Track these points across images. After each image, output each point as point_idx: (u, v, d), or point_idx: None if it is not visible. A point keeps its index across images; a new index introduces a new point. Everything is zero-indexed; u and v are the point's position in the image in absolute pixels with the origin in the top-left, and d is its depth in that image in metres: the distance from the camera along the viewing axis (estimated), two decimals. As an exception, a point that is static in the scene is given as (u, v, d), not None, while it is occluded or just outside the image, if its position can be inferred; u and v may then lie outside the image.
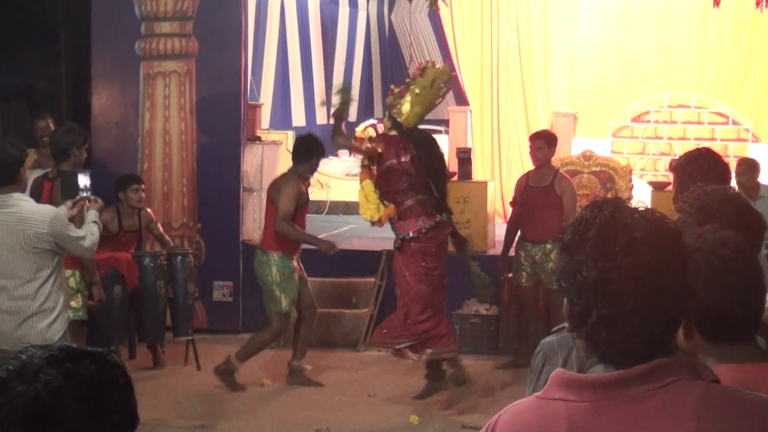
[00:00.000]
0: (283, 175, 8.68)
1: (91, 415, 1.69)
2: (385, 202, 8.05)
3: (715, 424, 1.81)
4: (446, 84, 8.20)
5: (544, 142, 9.14)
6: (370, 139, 8.16)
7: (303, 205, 8.51)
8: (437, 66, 8.27)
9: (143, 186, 9.05)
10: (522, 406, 1.96)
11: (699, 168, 4.51)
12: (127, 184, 8.82)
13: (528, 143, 13.77)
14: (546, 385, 1.93)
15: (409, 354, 8.12)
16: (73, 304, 7.43)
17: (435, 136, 14.09)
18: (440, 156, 8.22)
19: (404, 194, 8.00)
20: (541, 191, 9.06)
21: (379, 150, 8.01)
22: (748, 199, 9.18)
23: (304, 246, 8.66)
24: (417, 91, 8.00)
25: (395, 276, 8.24)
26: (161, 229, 9.28)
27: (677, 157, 4.77)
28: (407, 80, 8.29)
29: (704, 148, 4.86)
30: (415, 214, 7.98)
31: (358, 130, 14.83)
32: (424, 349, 8.07)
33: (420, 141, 8.08)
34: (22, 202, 5.85)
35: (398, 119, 8.06)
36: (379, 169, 8.05)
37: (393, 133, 8.10)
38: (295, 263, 8.56)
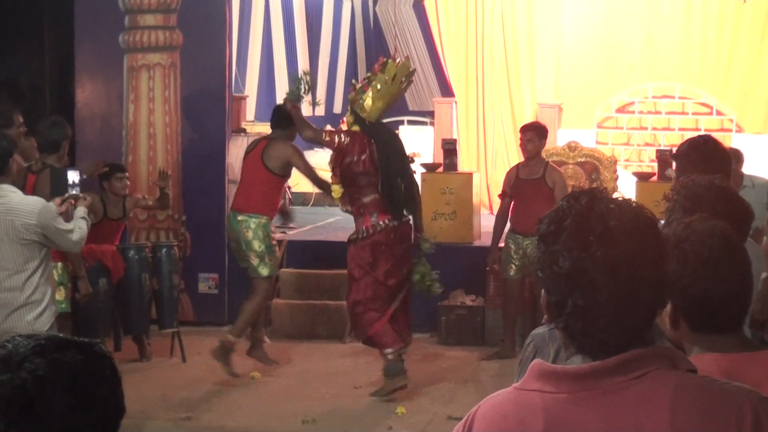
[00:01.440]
0: (279, 143, 8.62)
1: (77, 405, 1.69)
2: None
3: (691, 414, 1.81)
4: (407, 78, 8.22)
5: (534, 134, 9.13)
6: (343, 132, 8.15)
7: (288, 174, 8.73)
8: (398, 60, 8.29)
9: (127, 174, 9.03)
10: (500, 397, 1.97)
11: (702, 155, 4.53)
12: (111, 172, 8.79)
13: (515, 135, 13.86)
14: (525, 376, 1.93)
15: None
16: (56, 296, 7.41)
17: (420, 127, 14.18)
18: (400, 154, 8.16)
19: (362, 191, 8.02)
20: (532, 183, 9.06)
21: (344, 142, 8.03)
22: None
23: (293, 238, 8.71)
24: (378, 86, 8.02)
25: (348, 268, 8.21)
26: (148, 197, 9.33)
27: (662, 146, 4.79)
28: (368, 75, 8.30)
29: (707, 135, 4.91)
30: (369, 212, 7.98)
31: (343, 121, 14.88)
32: (381, 349, 8.08)
33: (381, 137, 8.08)
34: (11, 194, 5.85)
35: (361, 114, 8.08)
36: (341, 165, 8.05)
37: (355, 128, 8.09)
38: (273, 229, 8.78)
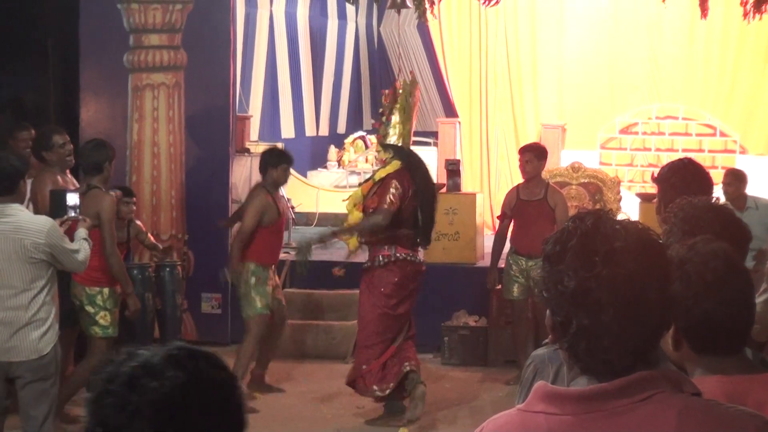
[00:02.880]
0: (252, 190, 8.67)
1: (214, 413, 1.72)
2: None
3: None
4: (413, 93, 8.21)
5: (533, 155, 9.11)
6: (392, 186, 7.75)
7: (271, 221, 8.46)
8: (402, 81, 8.33)
9: (134, 199, 9.02)
10: (504, 418, 1.96)
11: (682, 178, 4.51)
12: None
13: (517, 155, 13.87)
14: (528, 398, 1.93)
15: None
16: (101, 321, 7.44)
17: (424, 148, 14.18)
18: (433, 185, 8.14)
19: (399, 225, 7.81)
20: (534, 205, 9.02)
21: (399, 193, 7.73)
22: (736, 210, 9.19)
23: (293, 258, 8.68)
24: (400, 107, 8.02)
25: (360, 296, 8.10)
26: (152, 239, 9.25)
27: (658, 170, 4.76)
28: (381, 110, 8.30)
29: (687, 158, 4.85)
30: (389, 243, 7.81)
31: (347, 142, 14.90)
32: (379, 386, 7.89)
33: (418, 170, 7.91)
34: (20, 212, 5.90)
35: (398, 143, 7.96)
36: (398, 210, 7.74)
37: (394, 162, 7.86)
38: (270, 273, 8.59)
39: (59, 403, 7.07)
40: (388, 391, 7.82)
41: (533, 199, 9.04)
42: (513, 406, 1.99)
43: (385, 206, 7.66)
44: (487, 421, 1.99)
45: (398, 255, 7.80)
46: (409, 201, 7.76)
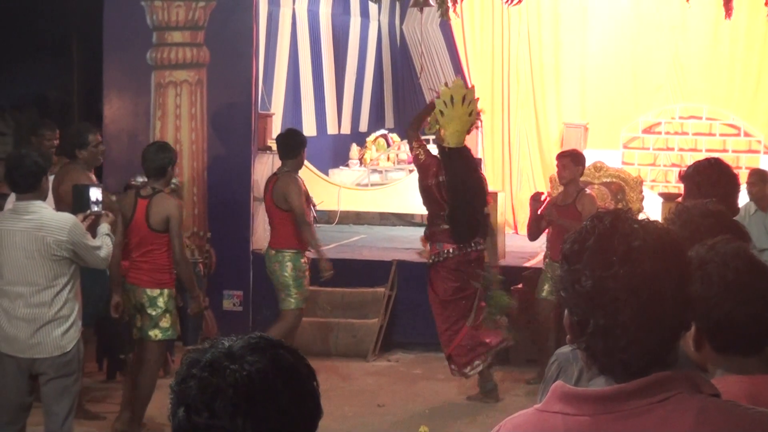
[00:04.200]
0: (282, 178, 8.68)
1: (294, 399, 1.78)
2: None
3: None
4: (469, 99, 8.53)
5: (569, 160, 9.05)
6: (426, 151, 8.55)
7: (306, 201, 8.70)
8: (453, 84, 8.68)
9: None
10: (522, 418, 1.96)
11: (708, 178, 4.50)
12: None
13: (540, 154, 13.83)
14: (546, 398, 1.93)
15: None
16: (163, 324, 7.41)
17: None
18: (471, 187, 8.42)
19: (432, 218, 8.49)
20: (564, 209, 8.98)
21: (421, 159, 8.49)
22: (759, 210, 9.15)
23: (317, 256, 8.74)
24: (441, 111, 8.42)
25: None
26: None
27: (686, 167, 4.76)
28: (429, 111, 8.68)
29: (714, 158, 4.84)
30: (437, 239, 8.46)
31: (369, 140, 14.91)
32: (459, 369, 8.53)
33: (454, 169, 8.37)
34: (42, 210, 5.93)
35: (441, 143, 8.53)
36: (421, 184, 8.52)
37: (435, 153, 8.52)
38: (305, 261, 8.72)
39: (139, 412, 7.24)
40: (472, 372, 8.49)
41: (564, 204, 9.00)
42: (534, 404, 1.99)
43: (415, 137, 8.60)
44: (505, 420, 1.99)
45: (445, 251, 8.39)
46: (437, 192, 8.35)
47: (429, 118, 8.59)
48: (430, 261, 8.52)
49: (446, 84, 8.75)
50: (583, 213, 8.89)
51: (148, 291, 7.36)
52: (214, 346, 1.81)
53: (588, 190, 9.29)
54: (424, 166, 8.45)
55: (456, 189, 8.32)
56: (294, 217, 8.51)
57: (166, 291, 7.42)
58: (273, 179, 8.75)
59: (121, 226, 7.26)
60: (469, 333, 8.45)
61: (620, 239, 1.85)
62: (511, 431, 1.95)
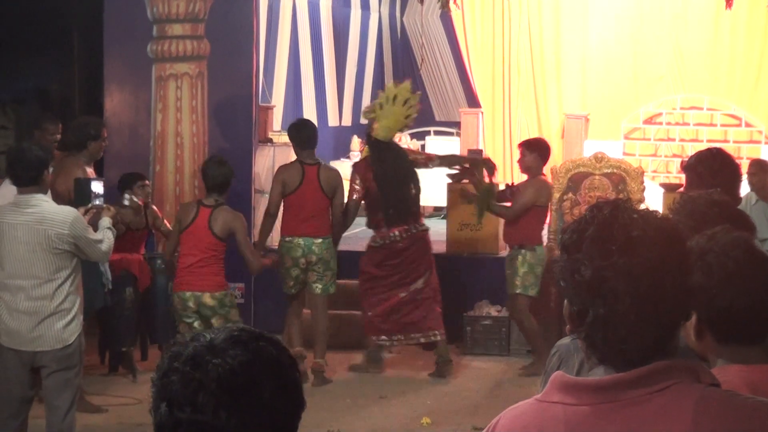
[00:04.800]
0: (330, 168, 9.15)
1: (278, 391, 1.77)
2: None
3: (712, 428, 1.81)
4: (411, 103, 8.94)
5: (524, 149, 9.23)
6: (356, 176, 8.99)
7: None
8: (400, 84, 9.13)
9: (147, 182, 9.07)
10: (521, 408, 1.97)
11: (709, 168, 4.50)
12: (131, 182, 8.82)
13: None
14: (545, 388, 1.93)
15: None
16: (234, 317, 7.84)
17: (446, 138, 14.15)
18: (396, 167, 8.82)
19: (369, 209, 8.99)
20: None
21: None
22: (761, 200, 9.13)
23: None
24: (380, 104, 8.91)
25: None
26: (168, 225, 9.28)
27: (688, 157, 4.77)
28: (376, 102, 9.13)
29: (715, 148, 4.84)
30: (373, 226, 9.03)
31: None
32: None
33: (381, 163, 8.81)
34: (43, 203, 5.93)
35: (371, 133, 8.99)
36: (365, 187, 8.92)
37: (365, 150, 9.11)
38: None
39: None
40: (379, 342, 9.06)
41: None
42: (534, 395, 1.99)
43: (351, 198, 8.91)
44: (505, 411, 1.99)
45: (391, 234, 8.88)
46: (372, 186, 8.82)
47: (366, 108, 9.24)
48: (377, 245, 8.93)
49: (397, 83, 9.22)
50: (515, 199, 8.95)
51: (217, 294, 7.80)
52: (196, 339, 1.80)
53: (537, 180, 9.22)
54: (362, 186, 8.83)
55: (385, 175, 8.77)
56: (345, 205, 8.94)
57: (226, 290, 7.91)
58: (315, 168, 8.82)
59: (176, 232, 7.97)
60: (398, 305, 8.88)
61: (619, 229, 1.85)
62: (511, 421, 1.96)
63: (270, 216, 8.91)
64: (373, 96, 15.90)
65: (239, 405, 1.73)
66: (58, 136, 8.93)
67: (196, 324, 7.69)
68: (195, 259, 7.76)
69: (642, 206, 1.96)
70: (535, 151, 9.16)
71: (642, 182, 11.62)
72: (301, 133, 8.93)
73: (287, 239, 8.79)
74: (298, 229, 8.73)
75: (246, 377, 1.74)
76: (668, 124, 13.67)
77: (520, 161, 9.28)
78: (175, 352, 1.78)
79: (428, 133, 14.47)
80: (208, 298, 7.74)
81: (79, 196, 6.38)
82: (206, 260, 7.78)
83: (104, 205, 6.37)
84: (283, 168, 8.96)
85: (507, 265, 9.23)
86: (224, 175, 7.82)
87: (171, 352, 1.79)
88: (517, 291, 9.11)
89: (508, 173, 13.81)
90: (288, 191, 8.75)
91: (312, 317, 8.94)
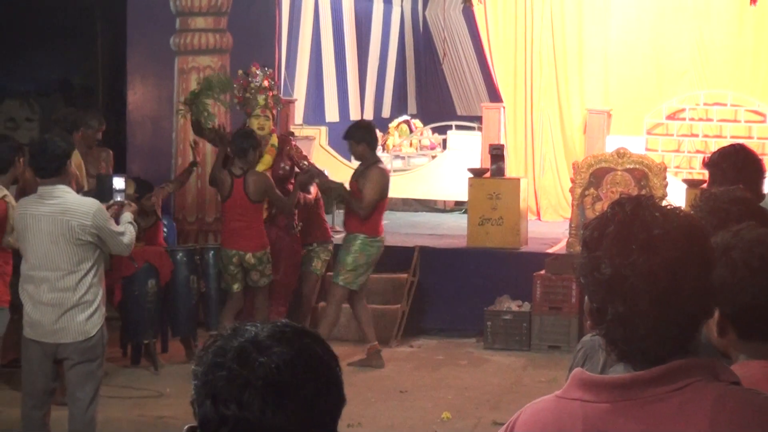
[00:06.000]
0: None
1: (321, 389, 1.78)
2: None
3: (730, 426, 1.80)
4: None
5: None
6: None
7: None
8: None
9: (154, 198, 9.06)
10: (541, 404, 1.97)
11: (733, 164, 4.48)
12: (141, 193, 8.77)
13: (563, 140, 13.78)
14: (565, 385, 1.93)
15: None
16: (268, 272, 8.84)
17: (468, 132, 14.11)
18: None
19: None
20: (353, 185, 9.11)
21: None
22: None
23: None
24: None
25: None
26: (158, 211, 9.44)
27: (711, 153, 4.75)
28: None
29: (739, 144, 4.83)
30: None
31: (392, 126, 14.90)
32: None
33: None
34: (67, 194, 5.94)
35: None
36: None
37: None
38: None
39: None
40: None
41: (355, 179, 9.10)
42: (556, 390, 1.99)
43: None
44: (525, 407, 1.99)
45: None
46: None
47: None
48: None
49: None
50: (364, 192, 8.88)
51: (258, 253, 8.78)
52: (239, 333, 1.79)
53: (376, 167, 9.04)
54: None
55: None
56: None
57: (266, 249, 8.84)
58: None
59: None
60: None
61: (641, 227, 1.84)
62: (531, 417, 1.96)
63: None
64: (396, 90, 15.94)
65: (284, 403, 1.74)
66: (100, 135, 8.89)
67: (238, 275, 8.79)
68: (239, 224, 8.77)
69: (664, 202, 1.94)
70: (353, 138, 9.05)
71: (664, 178, 11.57)
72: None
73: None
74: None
75: (291, 375, 1.75)
76: (691, 119, 13.59)
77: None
78: (219, 347, 1.78)
79: (450, 127, 14.45)
80: (250, 258, 8.77)
81: (100, 192, 6.39)
82: (248, 225, 8.78)
83: (126, 201, 6.38)
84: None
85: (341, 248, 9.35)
86: (245, 144, 8.76)
87: (215, 346, 1.79)
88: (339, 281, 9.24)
89: (530, 168, 13.79)
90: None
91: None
